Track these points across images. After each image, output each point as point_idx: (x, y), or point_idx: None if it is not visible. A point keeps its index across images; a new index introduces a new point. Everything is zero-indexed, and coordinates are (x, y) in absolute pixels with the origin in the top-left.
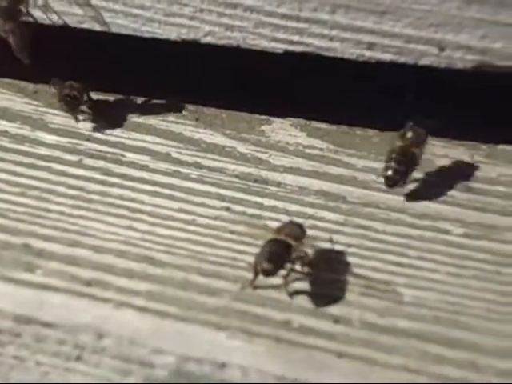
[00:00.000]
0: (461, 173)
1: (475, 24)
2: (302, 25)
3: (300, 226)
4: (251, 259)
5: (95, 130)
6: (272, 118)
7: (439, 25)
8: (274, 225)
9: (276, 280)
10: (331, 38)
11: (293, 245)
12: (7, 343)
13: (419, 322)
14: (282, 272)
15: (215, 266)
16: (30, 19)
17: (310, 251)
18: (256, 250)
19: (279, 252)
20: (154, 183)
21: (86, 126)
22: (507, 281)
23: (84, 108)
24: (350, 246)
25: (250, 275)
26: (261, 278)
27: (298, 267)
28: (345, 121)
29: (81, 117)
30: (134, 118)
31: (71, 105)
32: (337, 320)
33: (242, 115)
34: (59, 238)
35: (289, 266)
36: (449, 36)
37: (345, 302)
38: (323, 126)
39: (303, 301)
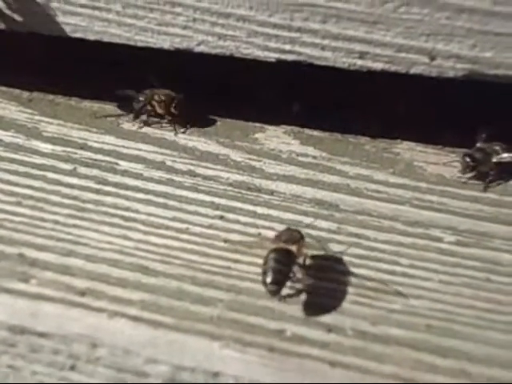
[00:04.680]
0: (452, 180)
1: (465, 33)
2: (293, 34)
3: (298, 232)
4: (245, 268)
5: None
6: (265, 126)
7: (430, 34)
8: (268, 233)
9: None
10: (323, 47)
11: (294, 251)
12: (2, 353)
13: (411, 331)
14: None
15: (209, 274)
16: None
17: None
18: (249, 259)
19: (282, 266)
20: (148, 192)
21: (79, 134)
22: (497, 288)
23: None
24: (342, 254)
25: (243, 284)
26: (255, 286)
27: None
28: (338, 128)
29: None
30: (128, 126)
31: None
32: (329, 329)
33: (235, 123)
34: (54, 247)
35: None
36: (439, 45)
37: (337, 310)
38: (316, 133)
39: (296, 310)
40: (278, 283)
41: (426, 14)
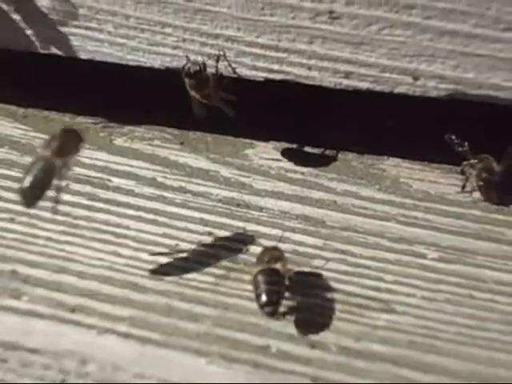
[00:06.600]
0: (437, 196)
1: (447, 55)
2: (281, 54)
3: (277, 249)
4: (232, 284)
5: None
6: (256, 142)
7: (413, 55)
8: (256, 249)
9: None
10: (309, 67)
11: (281, 269)
12: None
13: (394, 347)
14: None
15: (197, 291)
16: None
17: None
18: (237, 276)
19: (274, 287)
20: (139, 208)
21: None
22: (479, 304)
23: None
24: (328, 270)
25: (230, 300)
26: (241, 303)
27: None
28: (326, 144)
29: None
30: (121, 143)
31: None
32: (313, 345)
33: (226, 139)
34: (46, 264)
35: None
36: (422, 66)
37: (322, 326)
38: (305, 149)
39: (281, 326)
40: (274, 304)
41: (409, 36)
